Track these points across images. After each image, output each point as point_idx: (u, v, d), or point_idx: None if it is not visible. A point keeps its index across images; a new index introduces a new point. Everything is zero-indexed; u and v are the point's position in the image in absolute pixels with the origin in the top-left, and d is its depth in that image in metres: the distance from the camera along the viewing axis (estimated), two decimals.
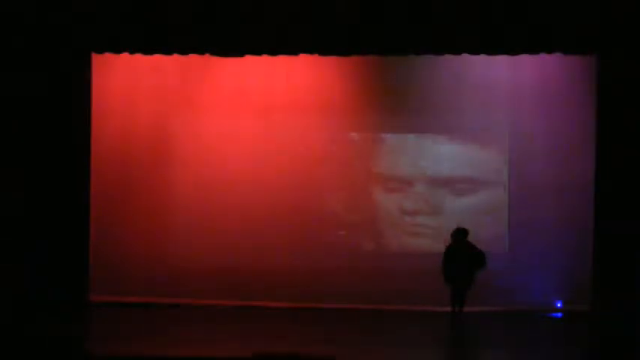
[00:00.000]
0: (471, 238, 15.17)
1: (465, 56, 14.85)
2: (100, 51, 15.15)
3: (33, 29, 14.43)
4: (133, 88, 16.98)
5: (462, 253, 14.96)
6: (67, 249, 14.78)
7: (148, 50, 14.94)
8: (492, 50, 14.66)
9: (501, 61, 15.89)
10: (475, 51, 14.62)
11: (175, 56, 15.22)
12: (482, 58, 15.21)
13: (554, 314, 16.08)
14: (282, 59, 15.48)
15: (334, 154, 17.30)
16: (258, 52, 14.74)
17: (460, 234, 15.13)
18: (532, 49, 14.52)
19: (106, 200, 16.60)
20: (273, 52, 14.78)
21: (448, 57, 15.05)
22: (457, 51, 14.62)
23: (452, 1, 14.06)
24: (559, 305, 16.27)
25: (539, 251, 16.33)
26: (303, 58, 15.25)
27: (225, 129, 17.36)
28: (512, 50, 14.62)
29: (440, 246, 15.43)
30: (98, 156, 15.90)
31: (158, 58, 15.58)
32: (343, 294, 16.42)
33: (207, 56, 14.98)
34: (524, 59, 15.39)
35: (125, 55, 15.27)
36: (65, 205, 14.77)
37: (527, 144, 16.63)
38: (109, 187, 16.72)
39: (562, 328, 14.87)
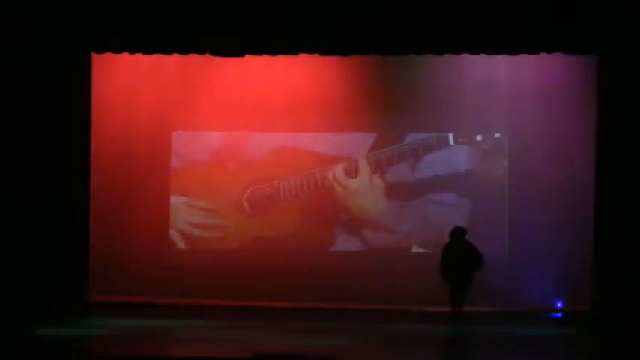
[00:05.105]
0: (470, 237, 15.15)
1: (465, 56, 14.85)
2: (100, 51, 15.14)
3: (33, 29, 14.42)
4: (133, 88, 17.00)
5: (460, 253, 14.95)
6: (67, 249, 14.77)
7: (148, 50, 14.94)
8: (492, 50, 14.66)
9: (501, 61, 15.89)
10: (475, 51, 14.62)
11: (175, 56, 15.22)
12: (482, 58, 15.21)
13: (554, 314, 16.08)
14: (282, 59, 15.48)
15: (334, 154, 17.31)
16: (258, 52, 14.74)
17: (458, 233, 15.12)
18: (532, 49, 14.51)
19: (106, 200, 16.61)
20: (273, 52, 14.78)
21: (448, 57, 15.05)
22: (457, 51, 14.62)
23: (452, 1, 14.06)
24: (559, 305, 16.27)
25: (539, 251, 16.34)
26: (303, 58, 15.25)
27: (225, 129, 17.39)
28: (512, 50, 14.62)
29: (439, 246, 15.41)
30: (98, 156, 15.90)
31: (158, 58, 15.59)
32: (343, 294, 16.43)
33: (207, 56, 14.98)
34: (524, 59, 15.39)
35: (125, 55, 15.27)
36: (65, 205, 14.76)
37: (527, 144, 16.64)
38: (109, 188, 16.74)
39: (562, 328, 14.86)
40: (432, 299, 15.64)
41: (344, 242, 17.24)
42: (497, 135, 17.00)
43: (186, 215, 17.30)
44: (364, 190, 17.20)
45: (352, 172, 17.25)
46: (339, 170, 17.23)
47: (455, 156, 17.09)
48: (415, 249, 17.12)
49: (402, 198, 17.14)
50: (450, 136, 17.05)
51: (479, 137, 17.02)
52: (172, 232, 17.31)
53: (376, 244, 17.15)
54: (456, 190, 17.04)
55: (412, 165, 17.15)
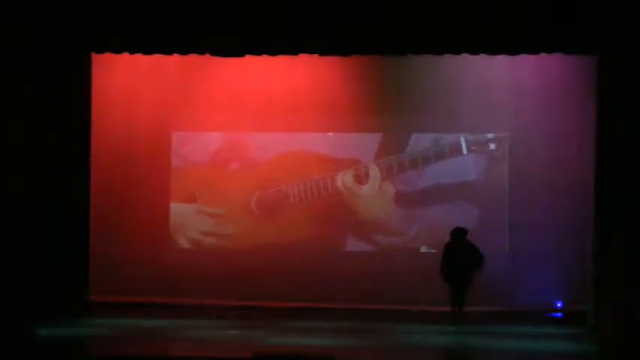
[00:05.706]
0: (471, 238, 15.15)
1: (465, 56, 14.85)
2: (100, 51, 15.14)
3: (33, 29, 14.42)
4: (133, 88, 17.00)
5: (460, 253, 14.95)
6: (67, 249, 14.77)
7: (148, 50, 14.94)
8: (492, 50, 14.66)
9: (501, 61, 15.89)
10: (475, 51, 14.61)
11: (175, 56, 15.22)
12: (482, 58, 15.21)
13: (554, 314, 16.08)
14: (282, 59, 15.48)
15: (335, 154, 17.31)
16: (258, 52, 14.74)
17: (459, 233, 15.12)
18: (532, 49, 14.51)
19: (107, 200, 16.62)
20: (273, 52, 14.78)
21: (448, 57, 15.05)
22: (457, 51, 14.62)
23: (452, 1, 14.06)
24: (559, 305, 16.27)
25: (539, 251, 16.34)
26: (303, 58, 15.24)
27: (225, 129, 17.39)
28: (512, 50, 14.62)
29: (439, 245, 15.41)
30: (98, 156, 15.90)
31: (158, 58, 15.58)
32: (343, 294, 16.43)
33: (207, 56, 14.97)
34: (524, 59, 15.39)
35: (125, 55, 15.27)
36: (65, 205, 14.77)
37: (527, 144, 16.64)
38: (109, 188, 16.74)
39: (562, 328, 14.85)
40: (432, 299, 15.64)
41: (352, 245, 17.23)
42: (497, 135, 16.97)
43: (195, 222, 17.31)
44: (373, 196, 17.18)
45: (362, 179, 17.24)
46: (348, 176, 17.22)
47: (461, 161, 17.07)
48: (420, 249, 17.11)
49: (411, 203, 17.11)
50: (463, 144, 17.00)
51: (492, 146, 17.00)
52: (182, 240, 17.30)
53: (384, 246, 17.14)
54: (459, 190, 17.02)
55: (421, 170, 17.12)
